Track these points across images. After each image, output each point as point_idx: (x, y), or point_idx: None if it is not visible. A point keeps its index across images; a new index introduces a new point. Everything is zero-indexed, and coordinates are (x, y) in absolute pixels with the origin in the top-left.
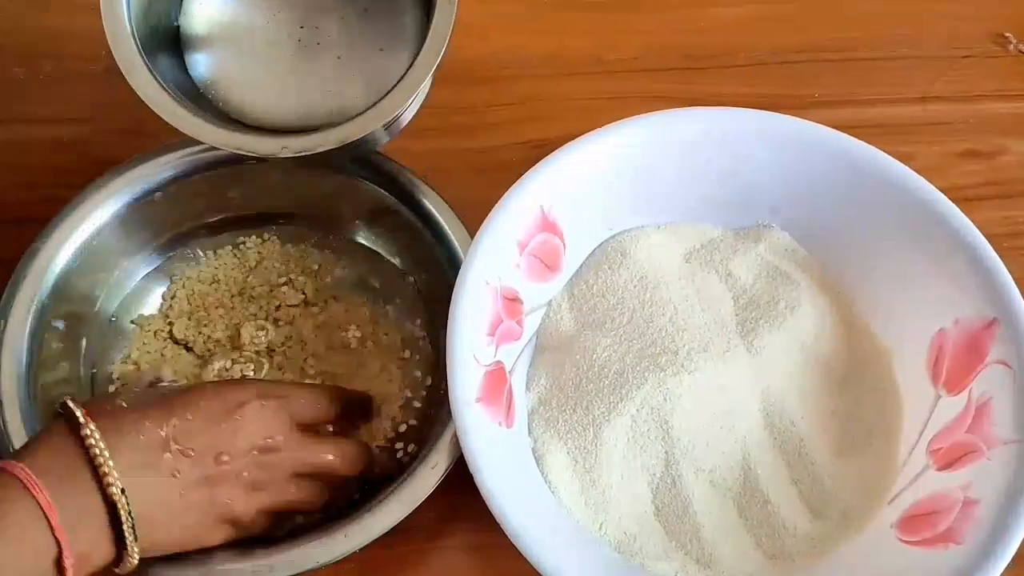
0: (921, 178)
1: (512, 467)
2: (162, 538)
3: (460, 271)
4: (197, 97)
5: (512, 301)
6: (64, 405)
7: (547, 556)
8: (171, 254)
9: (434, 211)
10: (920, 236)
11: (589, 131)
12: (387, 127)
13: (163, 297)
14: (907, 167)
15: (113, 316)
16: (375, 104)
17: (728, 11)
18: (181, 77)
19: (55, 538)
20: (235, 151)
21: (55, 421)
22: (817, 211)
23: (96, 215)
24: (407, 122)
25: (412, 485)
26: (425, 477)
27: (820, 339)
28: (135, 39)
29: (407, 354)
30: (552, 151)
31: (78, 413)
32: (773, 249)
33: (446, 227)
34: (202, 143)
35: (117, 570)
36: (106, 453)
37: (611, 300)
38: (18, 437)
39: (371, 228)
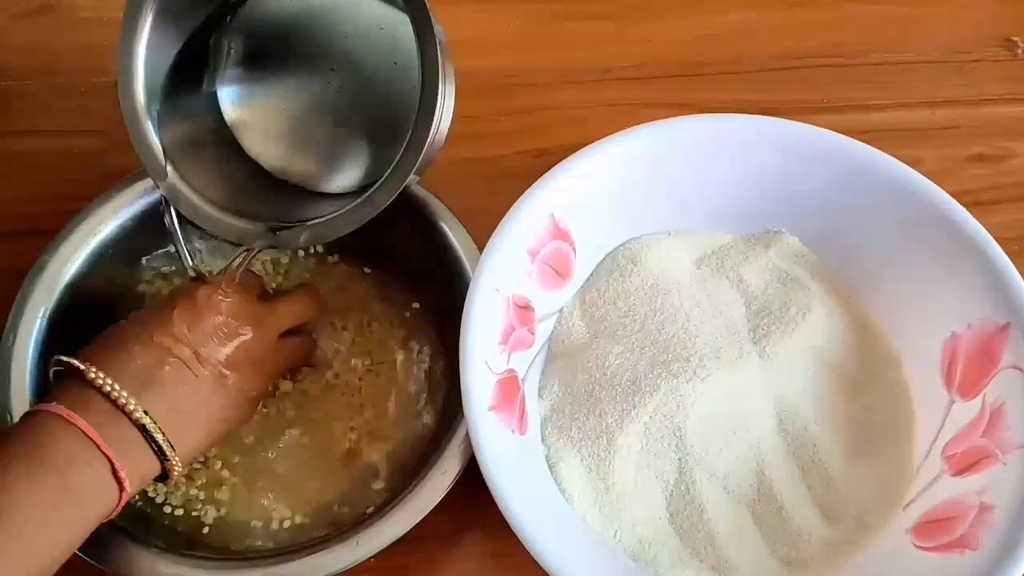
0: (931, 182)
1: (526, 474)
2: (198, 440)
3: (472, 279)
4: (217, 130)
5: (524, 309)
6: (59, 361)
7: (562, 563)
8: (181, 265)
9: (440, 222)
10: (930, 241)
11: (593, 139)
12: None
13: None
14: (916, 171)
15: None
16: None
17: (730, 18)
18: (205, 105)
19: (104, 455)
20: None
21: (56, 377)
22: (827, 216)
23: (104, 227)
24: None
25: (423, 492)
26: (435, 483)
27: (832, 344)
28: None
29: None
30: (556, 159)
31: (75, 362)
32: (783, 254)
33: (452, 237)
34: None
35: (169, 482)
36: (117, 386)
37: (622, 307)
38: None
39: (378, 238)
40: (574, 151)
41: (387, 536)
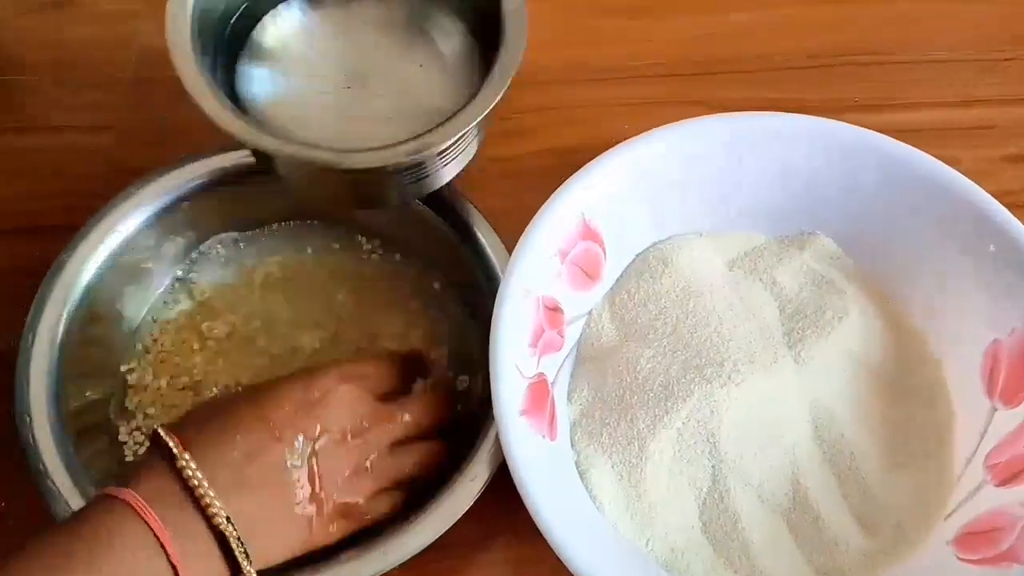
0: (972, 183)
1: (556, 480)
2: (277, 550)
3: (502, 281)
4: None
5: (553, 311)
6: (156, 434)
7: (593, 571)
8: (200, 263)
9: (469, 222)
10: (972, 243)
11: (617, 137)
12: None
13: (192, 304)
14: (957, 171)
15: (141, 327)
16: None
17: (760, 14)
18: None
19: (170, 563)
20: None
21: (149, 452)
22: (863, 218)
23: (123, 226)
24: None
25: (451, 499)
26: (464, 490)
27: (869, 349)
28: (197, 54)
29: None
30: (579, 158)
31: (171, 444)
32: (818, 257)
33: (481, 237)
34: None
35: None
36: (204, 483)
37: (653, 310)
38: (48, 455)
39: (404, 238)
40: (598, 150)
41: (415, 545)
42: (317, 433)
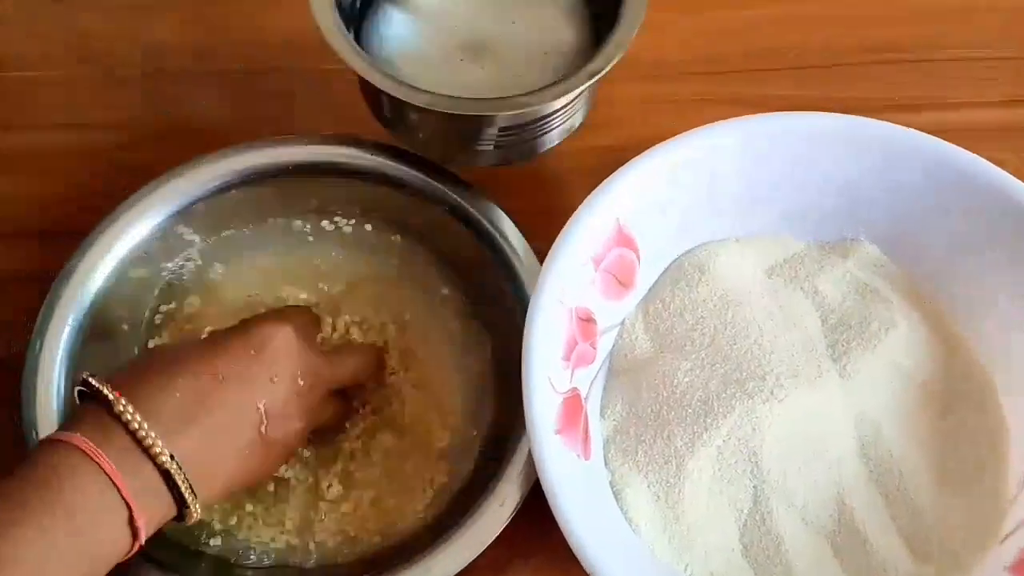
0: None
1: (591, 502)
2: (221, 485)
3: (535, 290)
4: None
5: (586, 322)
6: (87, 382)
7: None
8: (214, 268)
9: (494, 230)
10: (1022, 248)
11: (651, 135)
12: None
13: (205, 308)
14: (1011, 175)
15: (152, 333)
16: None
17: (795, 8)
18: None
19: (124, 500)
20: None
21: (84, 402)
22: (910, 223)
23: (133, 231)
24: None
25: (480, 524)
26: (494, 514)
27: (917, 362)
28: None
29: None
30: (612, 157)
31: (106, 391)
32: (862, 264)
33: (506, 246)
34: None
35: (183, 522)
36: (145, 425)
37: (690, 320)
38: None
39: (426, 243)
40: (638, 150)
41: (442, 572)
42: (258, 374)
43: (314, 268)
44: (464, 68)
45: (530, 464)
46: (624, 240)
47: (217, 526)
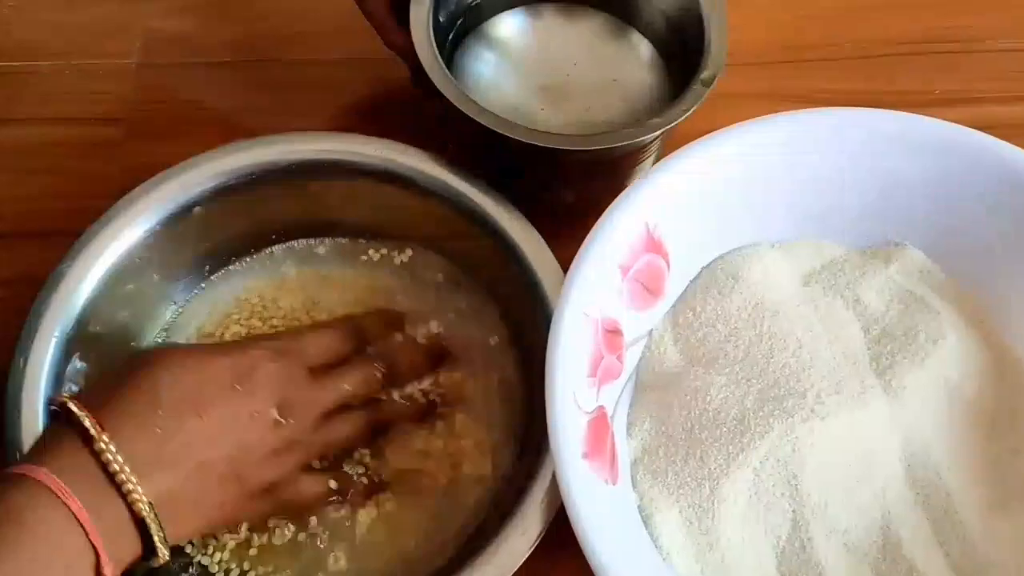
0: None
1: (620, 529)
2: (193, 526)
3: (559, 301)
4: None
5: (613, 334)
6: (64, 407)
7: None
8: (215, 276)
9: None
10: None
11: (684, 133)
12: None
13: (205, 326)
14: None
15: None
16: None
17: (830, 1)
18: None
19: (91, 544)
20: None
21: (59, 425)
22: (959, 228)
23: (127, 233)
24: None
25: (500, 556)
26: (515, 544)
27: (967, 378)
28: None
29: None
30: None
31: (87, 423)
32: (906, 271)
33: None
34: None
35: (148, 563)
36: (126, 469)
37: (723, 331)
38: None
39: (439, 248)
40: (669, 148)
41: None
42: (240, 412)
43: (329, 284)
44: (543, 113)
45: (553, 489)
46: (654, 246)
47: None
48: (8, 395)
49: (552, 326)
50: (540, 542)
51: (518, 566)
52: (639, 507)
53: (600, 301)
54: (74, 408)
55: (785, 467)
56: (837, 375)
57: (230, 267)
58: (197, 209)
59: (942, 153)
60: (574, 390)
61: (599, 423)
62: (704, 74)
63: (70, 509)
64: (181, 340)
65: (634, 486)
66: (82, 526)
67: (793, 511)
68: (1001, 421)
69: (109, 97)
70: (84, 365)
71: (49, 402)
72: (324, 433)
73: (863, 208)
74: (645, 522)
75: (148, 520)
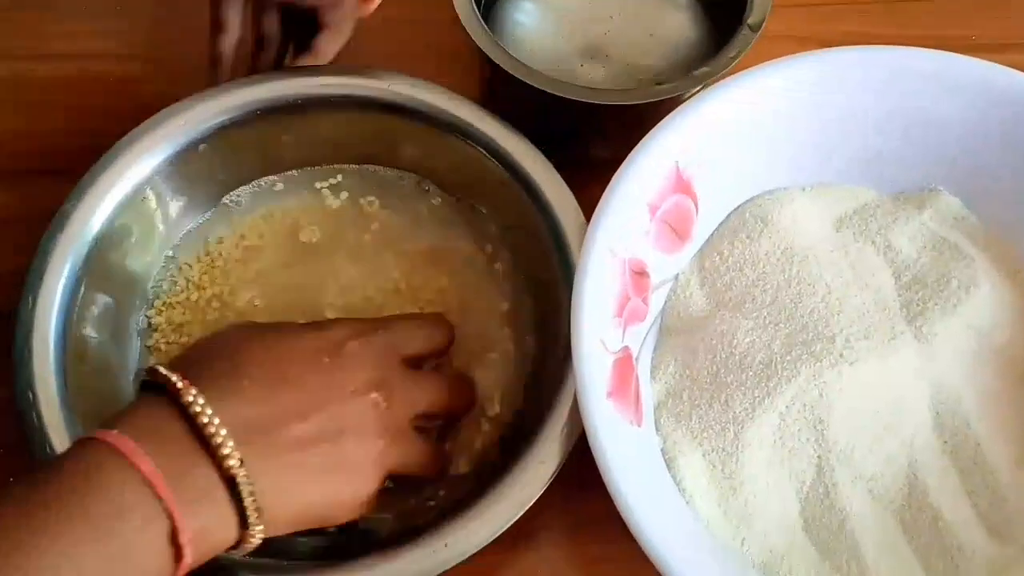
0: None
1: (644, 471)
2: (292, 512)
3: (586, 238)
4: None
5: (640, 275)
6: (153, 371)
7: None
8: (222, 213)
9: (529, 169)
10: None
11: None
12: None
13: (214, 259)
14: None
15: (155, 287)
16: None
17: None
18: None
19: (165, 511)
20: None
21: (143, 393)
22: (997, 174)
23: (133, 171)
24: None
25: (519, 484)
26: (534, 473)
27: (999, 327)
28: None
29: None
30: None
31: (174, 379)
32: (940, 217)
33: (543, 187)
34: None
35: (235, 551)
36: (216, 420)
37: (750, 275)
38: (57, 434)
39: (448, 186)
40: None
41: (481, 536)
42: (334, 383)
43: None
44: (583, 69)
45: (573, 420)
46: (683, 186)
47: None
48: (17, 336)
49: (579, 264)
50: (561, 481)
51: (538, 496)
52: (662, 450)
53: (627, 241)
54: (162, 369)
55: (812, 412)
56: (867, 321)
57: (239, 206)
58: (203, 146)
59: (984, 96)
60: (600, 330)
61: (624, 364)
62: (751, 19)
63: (141, 471)
64: (189, 273)
65: (657, 429)
66: (153, 489)
67: (819, 457)
68: None
69: (129, 32)
70: (99, 299)
71: (137, 373)
72: (415, 440)
73: (896, 151)
74: (668, 465)
75: (238, 478)
